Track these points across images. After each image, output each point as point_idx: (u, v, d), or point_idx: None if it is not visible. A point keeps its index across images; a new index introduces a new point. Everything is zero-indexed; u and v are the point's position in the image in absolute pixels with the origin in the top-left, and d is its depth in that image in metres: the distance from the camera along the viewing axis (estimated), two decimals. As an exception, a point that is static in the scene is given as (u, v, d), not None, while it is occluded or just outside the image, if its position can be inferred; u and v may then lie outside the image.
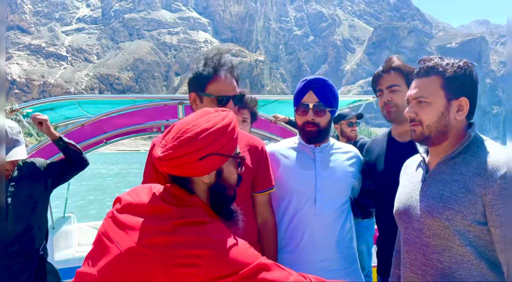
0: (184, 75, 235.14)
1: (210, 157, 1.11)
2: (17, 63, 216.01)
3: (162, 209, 1.03)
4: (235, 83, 1.71)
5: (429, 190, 1.33)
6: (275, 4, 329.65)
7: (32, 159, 2.32)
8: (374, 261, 3.66)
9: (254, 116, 2.71)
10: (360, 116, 3.98)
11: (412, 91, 1.39)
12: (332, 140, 2.04)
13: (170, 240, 0.94)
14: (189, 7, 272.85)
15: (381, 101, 1.92)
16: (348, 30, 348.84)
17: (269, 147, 2.04)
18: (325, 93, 1.88)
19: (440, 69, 1.34)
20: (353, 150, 2.05)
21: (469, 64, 1.36)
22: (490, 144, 1.32)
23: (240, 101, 1.77)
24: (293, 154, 1.96)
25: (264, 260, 0.98)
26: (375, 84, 1.95)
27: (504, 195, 1.18)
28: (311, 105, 1.84)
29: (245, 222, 1.57)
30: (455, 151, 1.32)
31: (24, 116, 3.53)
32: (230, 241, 1.00)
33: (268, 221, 1.85)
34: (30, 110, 3.60)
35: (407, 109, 1.44)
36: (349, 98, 4.34)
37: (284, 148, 2.00)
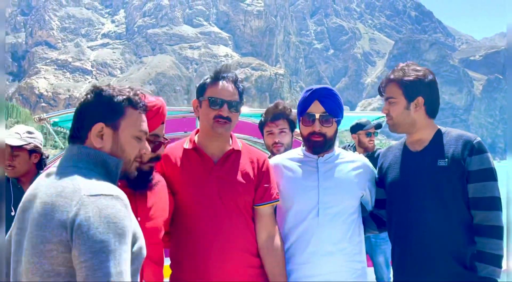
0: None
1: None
2: (44, 78, 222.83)
3: None
4: (233, 91, 1.76)
5: None
6: (295, 19, 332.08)
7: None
8: None
9: (293, 125, 2.58)
10: (378, 126, 3.90)
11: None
12: (338, 150, 1.98)
13: None
14: (210, 22, 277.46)
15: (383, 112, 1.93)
16: (369, 44, 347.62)
17: (273, 159, 2.03)
18: (331, 103, 1.84)
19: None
20: (360, 160, 1.98)
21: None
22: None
23: (236, 108, 1.77)
24: (296, 165, 1.92)
25: None
26: (381, 95, 1.95)
27: None
28: (317, 116, 1.81)
29: (245, 235, 1.75)
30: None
31: (53, 124, 3.62)
32: None
33: (274, 235, 1.82)
34: (56, 119, 3.74)
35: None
36: (374, 114, 4.25)
37: (287, 159, 1.97)
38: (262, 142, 2.76)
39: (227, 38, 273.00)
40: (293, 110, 2.59)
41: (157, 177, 1.71)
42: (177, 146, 1.88)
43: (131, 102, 1.28)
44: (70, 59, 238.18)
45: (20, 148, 2.53)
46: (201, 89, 1.82)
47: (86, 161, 1.21)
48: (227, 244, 1.73)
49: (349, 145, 4.16)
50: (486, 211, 1.68)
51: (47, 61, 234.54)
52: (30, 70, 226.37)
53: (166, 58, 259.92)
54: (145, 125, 1.32)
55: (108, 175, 1.22)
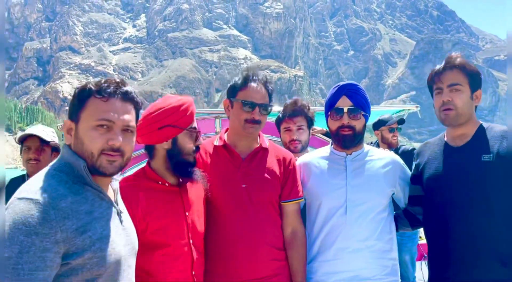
0: (225, 91, 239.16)
1: (167, 128, 1.55)
2: (68, 82, 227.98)
3: None
4: (264, 94, 1.84)
5: None
6: (315, 20, 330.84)
7: None
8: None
9: (311, 123, 2.58)
10: (401, 121, 3.83)
11: None
12: (367, 147, 2.00)
13: None
14: (229, 25, 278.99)
15: (438, 101, 1.76)
16: (389, 44, 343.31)
17: (301, 158, 2.06)
18: (359, 97, 1.87)
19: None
20: (390, 156, 1.98)
21: None
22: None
23: (267, 111, 1.86)
24: (324, 163, 1.95)
25: None
26: (433, 82, 1.79)
27: None
28: (345, 109, 1.84)
29: (271, 229, 1.85)
30: None
31: None
32: None
33: (298, 230, 1.89)
34: None
35: None
36: (391, 108, 4.18)
37: (316, 158, 2.00)
38: (279, 140, 2.75)
39: (246, 41, 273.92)
40: (311, 107, 2.60)
41: (199, 171, 1.79)
42: (208, 143, 1.96)
43: (92, 92, 1.21)
44: (92, 64, 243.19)
45: (48, 143, 2.56)
46: (233, 90, 1.87)
47: (57, 163, 1.22)
48: (255, 238, 1.80)
49: (371, 143, 4.04)
50: None
51: (71, 65, 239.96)
52: (54, 74, 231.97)
53: (186, 61, 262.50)
54: (112, 114, 1.20)
55: (79, 177, 1.19)
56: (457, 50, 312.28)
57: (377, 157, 1.94)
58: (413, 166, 1.99)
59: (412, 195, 1.96)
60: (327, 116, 1.95)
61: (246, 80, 1.84)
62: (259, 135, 1.95)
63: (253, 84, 1.83)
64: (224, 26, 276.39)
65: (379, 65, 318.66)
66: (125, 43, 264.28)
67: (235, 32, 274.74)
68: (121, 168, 1.26)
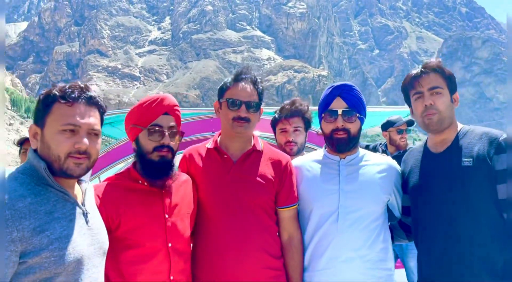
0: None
1: (131, 128, 1.62)
2: (96, 84, 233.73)
3: None
4: (251, 91, 1.79)
5: None
6: (339, 19, 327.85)
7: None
8: None
9: (308, 124, 2.49)
10: (411, 123, 3.69)
11: None
12: (362, 151, 1.91)
13: None
14: (253, 26, 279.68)
15: (420, 105, 1.70)
16: (416, 42, 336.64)
17: (295, 160, 1.98)
18: (354, 98, 1.79)
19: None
20: (387, 161, 1.90)
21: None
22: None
23: (255, 108, 1.79)
24: (317, 167, 1.87)
25: None
26: (410, 87, 1.75)
27: None
28: (339, 111, 1.76)
29: (262, 236, 1.75)
30: None
31: None
32: None
33: (294, 237, 1.82)
34: None
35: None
36: (405, 109, 3.95)
37: (308, 161, 1.92)
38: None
39: (270, 42, 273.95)
40: (310, 107, 2.52)
41: (182, 176, 1.80)
42: (202, 145, 1.93)
43: (56, 97, 1.23)
44: (119, 66, 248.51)
45: None
46: (221, 91, 1.85)
47: (22, 166, 1.24)
48: (244, 244, 1.74)
49: (380, 144, 4.06)
50: None
51: (99, 68, 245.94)
52: (83, 77, 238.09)
53: (210, 63, 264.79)
54: (77, 118, 1.23)
55: (42, 179, 1.21)
56: (486, 47, 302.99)
57: (373, 162, 1.86)
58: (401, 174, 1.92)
59: (404, 205, 1.90)
60: (320, 118, 1.88)
61: (233, 80, 1.83)
62: (253, 137, 1.89)
63: (240, 83, 1.80)
64: (248, 27, 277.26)
65: (405, 64, 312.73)
66: (150, 45, 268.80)
67: (258, 33, 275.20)
68: (88, 170, 1.28)
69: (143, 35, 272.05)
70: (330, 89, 1.83)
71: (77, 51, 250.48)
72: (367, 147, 4.22)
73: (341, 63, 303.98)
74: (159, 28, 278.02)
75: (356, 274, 1.71)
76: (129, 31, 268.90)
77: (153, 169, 1.60)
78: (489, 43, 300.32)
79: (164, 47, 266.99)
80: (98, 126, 1.30)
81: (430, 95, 1.67)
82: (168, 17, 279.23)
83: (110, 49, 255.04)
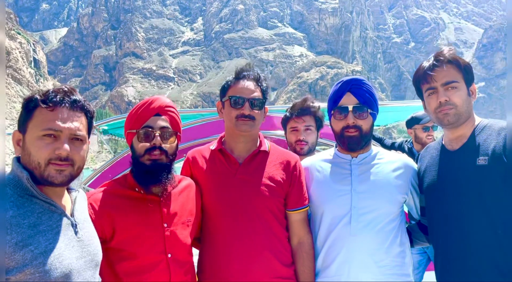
0: (280, 89, 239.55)
1: (127, 133, 1.59)
2: (132, 86, 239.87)
3: None
4: (254, 89, 1.72)
5: None
6: (372, 13, 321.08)
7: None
8: None
9: (319, 123, 2.41)
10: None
11: None
12: (375, 149, 1.82)
13: None
14: (284, 23, 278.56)
15: (434, 102, 1.60)
16: (454, 34, 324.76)
17: (304, 161, 1.89)
18: (365, 93, 1.69)
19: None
20: (402, 159, 1.80)
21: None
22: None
23: (259, 106, 1.71)
24: (327, 167, 1.78)
25: None
26: (424, 81, 1.62)
27: None
28: (350, 108, 1.67)
29: (270, 241, 1.66)
30: None
31: (103, 132, 3.57)
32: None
33: (304, 241, 1.74)
34: (105, 127, 3.70)
35: None
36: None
37: (318, 161, 1.83)
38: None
39: (302, 38, 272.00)
40: (322, 106, 2.41)
41: (184, 180, 1.74)
42: (205, 147, 1.86)
43: (38, 102, 1.19)
44: (154, 68, 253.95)
45: None
46: (223, 90, 1.79)
47: (6, 176, 1.18)
48: (252, 252, 1.66)
49: (406, 141, 3.88)
50: None
51: (134, 70, 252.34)
52: (120, 79, 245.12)
53: (242, 61, 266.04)
54: (58, 122, 1.18)
55: (26, 190, 1.17)
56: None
57: (387, 160, 1.77)
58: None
59: (422, 206, 1.81)
60: (330, 115, 1.78)
61: (235, 78, 1.77)
62: (259, 137, 1.82)
63: (242, 81, 1.74)
64: (279, 24, 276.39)
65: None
66: (183, 46, 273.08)
67: (290, 29, 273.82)
68: (72, 177, 1.22)
69: (176, 36, 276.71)
70: (340, 84, 1.73)
71: (114, 54, 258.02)
72: (392, 145, 4.12)
73: (375, 58, 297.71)
74: (191, 29, 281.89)
75: (370, 280, 1.62)
76: (163, 33, 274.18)
77: (144, 174, 1.52)
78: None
79: (197, 47, 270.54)
80: (82, 132, 1.23)
81: (445, 91, 1.56)
82: (200, 18, 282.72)
83: (145, 51, 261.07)
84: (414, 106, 3.94)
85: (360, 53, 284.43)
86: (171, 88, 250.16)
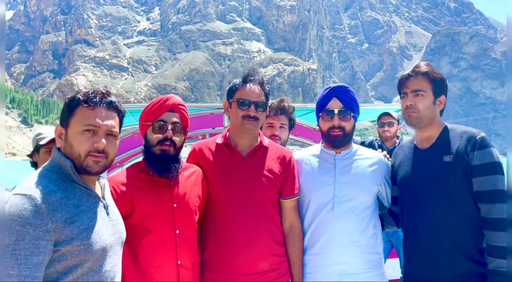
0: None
1: (143, 125, 1.82)
2: (83, 75, 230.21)
3: None
4: (259, 93, 1.94)
5: None
6: (329, 13, 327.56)
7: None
8: None
9: (292, 123, 2.74)
10: (385, 114, 3.91)
11: None
12: (355, 146, 2.09)
13: None
14: (243, 18, 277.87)
15: (404, 104, 1.94)
16: (405, 37, 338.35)
17: (295, 154, 2.13)
18: (349, 99, 1.96)
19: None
20: (377, 156, 2.09)
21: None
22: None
23: (263, 108, 1.95)
24: (314, 161, 2.04)
25: None
26: (401, 87, 1.96)
27: None
28: (336, 111, 1.93)
29: (270, 225, 1.92)
30: None
31: None
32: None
33: (295, 225, 1.98)
34: None
35: None
36: (393, 106, 4.28)
37: (307, 155, 2.09)
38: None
39: (260, 34, 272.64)
40: (298, 104, 2.70)
41: (191, 167, 1.93)
42: (211, 140, 2.06)
43: (80, 101, 1.36)
44: (107, 57, 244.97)
45: None
46: (231, 92, 1.99)
47: (49, 164, 1.38)
48: (254, 233, 1.87)
49: (376, 139, 4.24)
50: (489, 204, 1.73)
51: (86, 58, 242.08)
52: (70, 67, 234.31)
53: (199, 54, 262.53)
54: (97, 120, 1.36)
55: (67, 176, 1.34)
56: (474, 42, 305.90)
57: (365, 156, 2.03)
58: (391, 168, 2.11)
59: (393, 195, 2.09)
60: (318, 117, 2.03)
61: (242, 81, 1.97)
62: (259, 135, 2.03)
63: (249, 84, 1.94)
64: (238, 19, 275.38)
65: (394, 58, 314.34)
66: (139, 36, 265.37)
67: (248, 25, 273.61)
68: (106, 168, 1.41)
69: (132, 25, 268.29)
70: (327, 90, 1.99)
71: (64, 40, 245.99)
72: (362, 144, 4.37)
73: (331, 57, 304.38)
74: (147, 19, 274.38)
75: (349, 258, 1.88)
76: (117, 21, 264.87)
77: (155, 162, 1.74)
78: (476, 39, 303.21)
79: (152, 38, 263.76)
80: (116, 129, 1.43)
81: (413, 97, 1.88)
82: (157, 8, 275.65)
83: (97, 39, 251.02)
84: (367, 109, 4.25)
85: (316, 52, 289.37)
86: (125, 79, 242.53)
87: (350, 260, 1.88)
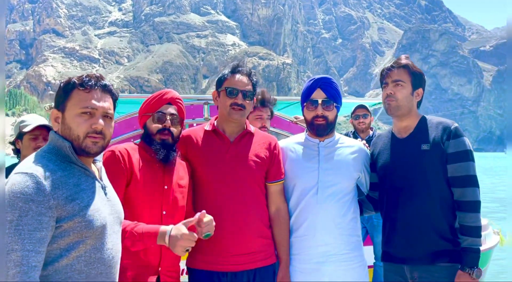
0: (212, 78, 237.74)
1: (143, 116, 1.96)
2: (52, 66, 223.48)
3: None
4: (247, 82, 2.03)
5: None
6: (303, 7, 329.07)
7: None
8: None
9: (272, 113, 2.94)
10: (360, 107, 3.98)
11: None
12: (337, 135, 2.20)
13: None
14: (217, 11, 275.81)
15: (384, 93, 2.06)
16: (377, 33, 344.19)
17: (280, 142, 2.23)
18: (332, 90, 2.07)
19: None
20: (358, 145, 2.20)
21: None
22: None
23: (250, 97, 2.04)
24: (299, 148, 2.15)
25: None
26: (383, 78, 2.09)
27: None
28: (320, 101, 2.03)
29: (257, 207, 2.03)
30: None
31: None
32: None
33: (281, 208, 2.08)
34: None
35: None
36: (370, 101, 4.40)
37: (292, 143, 2.20)
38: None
39: (235, 27, 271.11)
40: (274, 97, 2.95)
41: (179, 159, 2.01)
42: (199, 128, 2.13)
43: (75, 85, 1.40)
44: (77, 47, 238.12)
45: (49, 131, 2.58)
46: (220, 82, 2.08)
47: (46, 146, 1.42)
48: (243, 215, 1.94)
49: (351, 132, 4.24)
50: (462, 188, 1.90)
51: (55, 49, 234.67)
52: (37, 58, 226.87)
53: (173, 46, 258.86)
54: (93, 102, 1.40)
55: (66, 157, 1.38)
56: (443, 40, 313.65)
57: (347, 145, 2.14)
58: (369, 156, 2.23)
59: (372, 182, 2.22)
60: (303, 106, 2.13)
61: (231, 72, 2.04)
62: (246, 122, 2.12)
63: (237, 75, 2.02)
64: (212, 11, 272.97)
65: (367, 54, 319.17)
66: (110, 27, 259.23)
67: (223, 17, 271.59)
68: (103, 148, 1.45)
69: (103, 15, 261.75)
70: (312, 81, 2.11)
71: (31, 30, 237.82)
72: None
73: (305, 52, 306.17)
74: (119, 9, 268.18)
75: (331, 239, 2.00)
76: (88, 10, 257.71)
77: (157, 149, 1.87)
78: (445, 36, 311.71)
79: (125, 29, 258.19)
80: (111, 111, 1.47)
81: (393, 86, 2.01)
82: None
83: (67, 29, 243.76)
84: (353, 103, 4.33)
85: (291, 46, 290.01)
86: (96, 70, 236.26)
87: (332, 242, 1.99)
